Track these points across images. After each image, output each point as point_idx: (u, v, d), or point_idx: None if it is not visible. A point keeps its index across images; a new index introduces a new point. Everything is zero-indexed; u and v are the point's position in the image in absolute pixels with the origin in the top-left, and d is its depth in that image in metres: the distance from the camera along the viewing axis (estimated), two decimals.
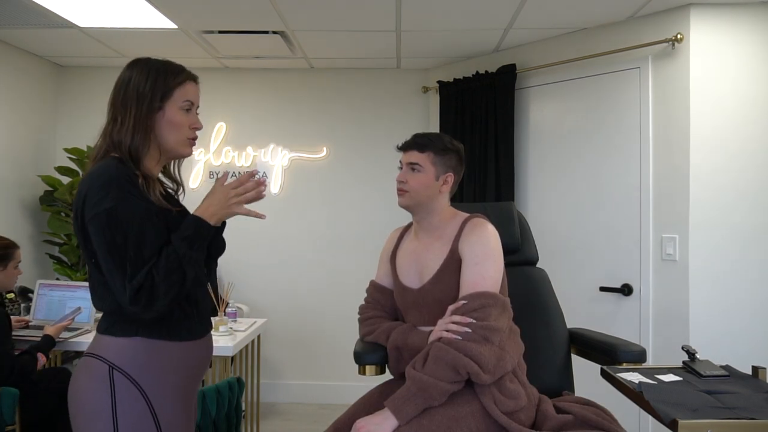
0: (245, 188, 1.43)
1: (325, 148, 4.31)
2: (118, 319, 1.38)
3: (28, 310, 3.21)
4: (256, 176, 1.46)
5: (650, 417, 1.97)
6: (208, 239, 1.41)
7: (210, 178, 4.28)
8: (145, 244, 1.32)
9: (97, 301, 1.42)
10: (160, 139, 1.44)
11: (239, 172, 4.27)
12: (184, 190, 1.60)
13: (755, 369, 1.63)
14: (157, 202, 1.39)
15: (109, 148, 1.42)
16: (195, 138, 1.49)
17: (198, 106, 1.51)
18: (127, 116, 1.40)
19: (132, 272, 1.29)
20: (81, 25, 3.33)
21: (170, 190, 1.56)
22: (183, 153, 1.48)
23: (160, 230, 1.37)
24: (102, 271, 1.35)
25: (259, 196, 1.45)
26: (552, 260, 2.89)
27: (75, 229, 1.39)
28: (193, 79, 1.50)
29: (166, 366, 1.41)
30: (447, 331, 1.59)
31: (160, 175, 1.52)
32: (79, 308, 2.97)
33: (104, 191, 1.31)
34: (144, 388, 1.37)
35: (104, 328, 1.40)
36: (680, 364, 1.72)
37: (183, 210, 1.52)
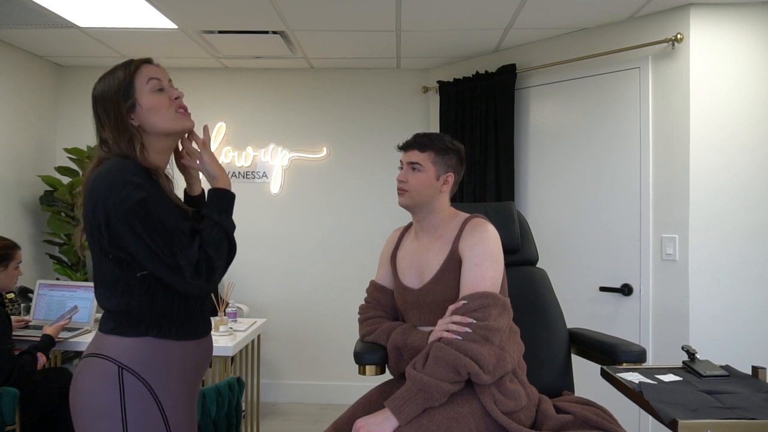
0: (204, 144, 1.51)
1: (325, 148, 4.31)
2: (126, 318, 1.38)
3: (28, 310, 3.21)
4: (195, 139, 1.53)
5: (650, 417, 1.97)
6: (233, 206, 1.45)
7: None
8: (184, 224, 1.35)
9: (105, 300, 1.41)
10: (153, 128, 1.43)
11: (238, 172, 4.29)
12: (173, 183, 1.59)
13: (755, 369, 1.63)
14: (175, 201, 1.42)
15: (106, 157, 1.42)
16: (184, 107, 1.48)
17: (171, 80, 1.49)
18: (105, 130, 1.42)
19: (184, 251, 1.31)
20: (81, 25, 3.33)
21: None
22: (182, 127, 1.47)
23: (188, 216, 1.40)
24: (120, 267, 1.35)
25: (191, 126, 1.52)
26: (552, 260, 2.89)
27: (89, 226, 1.37)
28: (146, 61, 1.48)
29: (173, 365, 1.42)
30: (447, 331, 1.59)
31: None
32: (76, 307, 2.97)
33: (128, 186, 1.31)
34: (154, 387, 1.37)
35: (111, 327, 1.39)
36: (680, 364, 1.72)
37: (196, 210, 1.52)
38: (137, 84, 1.42)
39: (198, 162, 1.51)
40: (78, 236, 1.45)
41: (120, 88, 1.41)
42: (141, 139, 1.42)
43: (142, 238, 1.30)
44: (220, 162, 1.53)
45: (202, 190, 1.59)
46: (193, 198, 1.59)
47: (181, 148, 1.54)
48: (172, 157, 1.55)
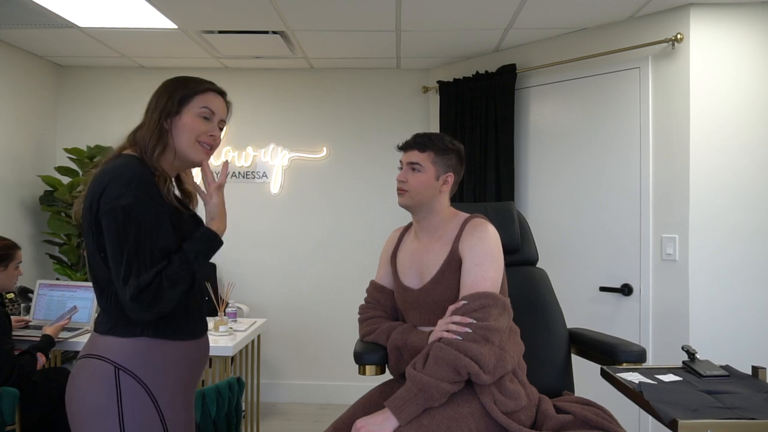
0: (219, 186, 1.54)
1: (325, 148, 4.31)
2: (121, 318, 1.38)
3: (28, 310, 3.21)
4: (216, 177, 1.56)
5: (650, 417, 1.97)
6: (214, 252, 1.48)
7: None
8: (157, 246, 1.35)
9: (99, 298, 1.42)
10: (174, 142, 1.46)
11: (238, 172, 4.29)
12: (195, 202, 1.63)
13: (755, 369, 1.63)
14: (169, 201, 1.43)
15: (125, 146, 1.47)
16: (209, 144, 1.50)
17: (223, 121, 1.53)
18: (147, 119, 1.47)
19: (139, 270, 1.31)
20: (81, 25, 3.33)
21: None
22: (194, 158, 1.49)
23: (172, 235, 1.40)
24: (109, 266, 1.36)
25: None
26: (552, 260, 2.89)
27: (86, 221, 1.39)
28: (218, 91, 1.53)
29: (170, 365, 1.42)
30: (447, 331, 1.59)
31: (177, 192, 1.56)
32: (75, 307, 2.97)
33: (125, 187, 1.33)
34: (150, 388, 1.38)
35: (107, 328, 1.40)
36: (680, 364, 1.72)
37: (193, 214, 1.56)
38: (194, 102, 1.47)
39: (208, 198, 1.53)
40: (77, 208, 1.46)
41: (179, 93, 1.46)
42: (165, 142, 1.45)
43: (111, 240, 1.32)
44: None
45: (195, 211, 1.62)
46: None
47: (200, 177, 1.56)
48: None
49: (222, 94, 1.54)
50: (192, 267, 1.39)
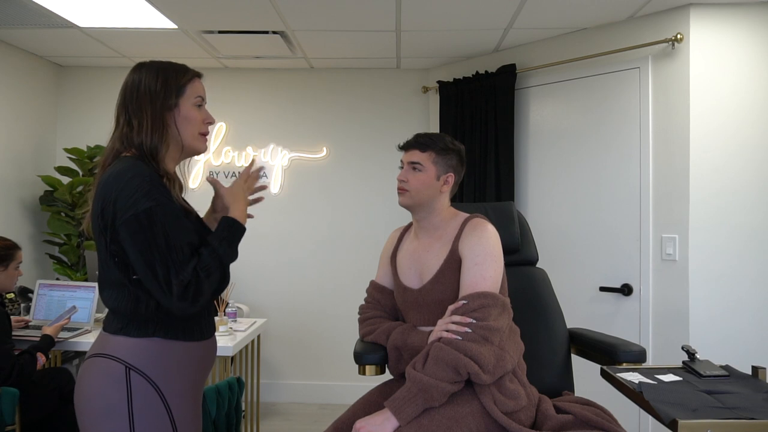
0: (252, 179, 1.59)
1: (325, 148, 4.31)
2: (134, 319, 1.38)
3: (27, 310, 3.21)
4: (255, 167, 1.61)
5: (650, 417, 1.97)
6: (240, 239, 1.48)
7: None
8: (186, 243, 1.36)
9: (112, 301, 1.41)
10: (177, 136, 1.46)
11: (238, 172, 4.28)
12: (184, 189, 1.61)
13: (755, 369, 1.63)
14: (178, 202, 1.43)
15: (122, 150, 1.44)
16: (207, 133, 1.53)
17: (206, 102, 1.55)
18: (144, 118, 1.43)
19: (177, 269, 1.31)
20: (81, 25, 3.33)
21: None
22: (198, 148, 1.51)
23: (192, 231, 1.41)
24: (125, 272, 1.36)
25: (257, 184, 1.62)
26: (552, 260, 2.89)
27: (96, 227, 1.38)
28: (199, 75, 1.55)
29: (180, 366, 1.42)
30: (447, 331, 1.59)
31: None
32: (74, 307, 2.97)
33: (139, 192, 1.32)
34: (161, 387, 1.38)
35: (118, 328, 1.39)
36: (680, 364, 1.72)
37: (198, 216, 1.57)
38: (187, 91, 1.47)
39: (222, 188, 1.56)
40: (87, 222, 1.46)
41: (172, 86, 1.45)
42: (170, 138, 1.44)
43: (139, 247, 1.31)
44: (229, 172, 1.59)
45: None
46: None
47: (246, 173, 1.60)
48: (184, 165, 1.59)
49: (200, 76, 1.55)
50: (218, 254, 1.40)
